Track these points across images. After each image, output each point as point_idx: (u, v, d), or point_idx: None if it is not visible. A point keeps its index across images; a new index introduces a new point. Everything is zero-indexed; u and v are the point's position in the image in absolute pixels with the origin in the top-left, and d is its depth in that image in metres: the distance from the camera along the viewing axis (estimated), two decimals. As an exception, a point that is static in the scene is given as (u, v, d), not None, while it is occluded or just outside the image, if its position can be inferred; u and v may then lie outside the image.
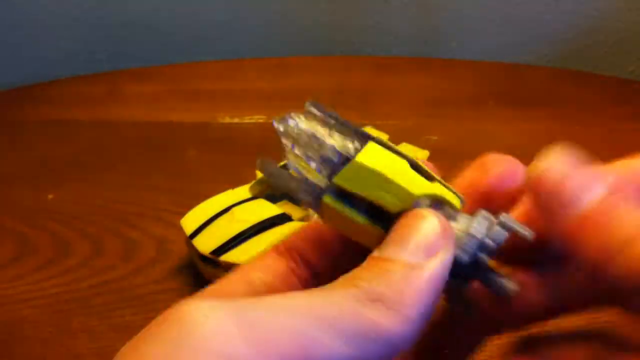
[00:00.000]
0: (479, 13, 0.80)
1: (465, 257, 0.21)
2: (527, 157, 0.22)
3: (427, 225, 0.20)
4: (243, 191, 0.51)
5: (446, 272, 0.20)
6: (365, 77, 0.76)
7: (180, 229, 0.49)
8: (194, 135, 0.68)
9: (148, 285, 0.51)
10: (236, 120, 0.69)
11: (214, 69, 0.78)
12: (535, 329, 0.23)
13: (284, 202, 0.51)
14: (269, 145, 0.65)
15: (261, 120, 0.68)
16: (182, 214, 0.50)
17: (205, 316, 0.18)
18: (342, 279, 0.20)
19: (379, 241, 0.21)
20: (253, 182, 0.52)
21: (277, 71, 0.77)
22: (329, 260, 0.24)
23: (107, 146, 0.68)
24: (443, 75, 0.75)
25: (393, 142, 0.23)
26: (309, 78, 0.75)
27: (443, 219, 0.21)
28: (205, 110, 0.71)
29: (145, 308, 0.49)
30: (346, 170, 0.22)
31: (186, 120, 0.70)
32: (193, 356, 0.17)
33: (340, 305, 0.18)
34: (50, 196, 0.60)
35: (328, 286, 0.19)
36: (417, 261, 0.19)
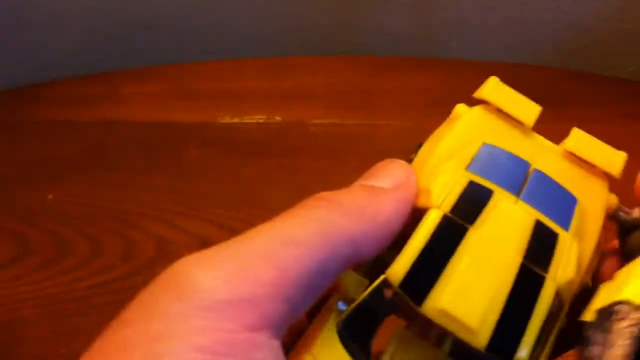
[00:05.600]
0: (479, 13, 0.80)
1: None
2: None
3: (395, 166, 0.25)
4: None
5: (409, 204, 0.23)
6: (365, 77, 0.76)
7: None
8: (194, 135, 0.68)
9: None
10: (236, 120, 0.69)
11: (214, 69, 0.78)
12: None
13: None
14: (269, 145, 0.65)
15: (261, 120, 0.68)
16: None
17: (195, 272, 0.20)
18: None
19: None
20: None
21: (277, 71, 0.77)
22: None
23: (107, 146, 0.68)
24: (443, 75, 0.75)
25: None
26: (309, 78, 0.75)
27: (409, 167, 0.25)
28: (205, 110, 0.71)
29: (145, 308, 0.49)
30: None
31: (186, 120, 0.70)
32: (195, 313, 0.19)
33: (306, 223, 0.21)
34: (50, 196, 0.60)
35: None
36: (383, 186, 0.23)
